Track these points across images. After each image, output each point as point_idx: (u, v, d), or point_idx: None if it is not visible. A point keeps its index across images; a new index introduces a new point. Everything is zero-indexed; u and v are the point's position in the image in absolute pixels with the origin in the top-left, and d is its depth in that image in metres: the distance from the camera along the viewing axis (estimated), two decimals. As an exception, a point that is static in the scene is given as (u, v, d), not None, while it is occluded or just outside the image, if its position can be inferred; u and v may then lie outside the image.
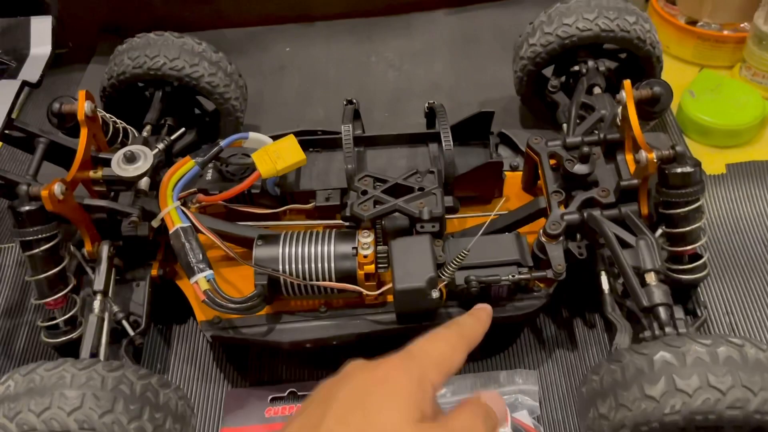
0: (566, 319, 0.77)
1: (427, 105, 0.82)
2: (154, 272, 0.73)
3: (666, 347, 0.54)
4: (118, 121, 0.82)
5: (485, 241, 0.70)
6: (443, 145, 0.74)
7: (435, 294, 0.64)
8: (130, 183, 0.70)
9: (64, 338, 0.66)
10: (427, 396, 0.37)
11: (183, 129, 0.87)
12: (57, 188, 0.61)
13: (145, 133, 0.83)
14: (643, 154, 0.63)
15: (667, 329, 0.59)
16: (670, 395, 0.51)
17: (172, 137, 0.86)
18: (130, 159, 0.67)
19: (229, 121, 0.93)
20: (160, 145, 0.84)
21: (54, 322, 0.66)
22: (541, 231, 0.68)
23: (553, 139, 0.74)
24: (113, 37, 1.23)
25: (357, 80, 1.14)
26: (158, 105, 0.87)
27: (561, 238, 0.67)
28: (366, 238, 0.69)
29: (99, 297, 0.67)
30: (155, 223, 0.70)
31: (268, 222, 0.78)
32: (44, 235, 0.63)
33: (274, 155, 0.70)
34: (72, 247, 0.71)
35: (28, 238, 0.63)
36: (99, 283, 0.67)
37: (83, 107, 0.68)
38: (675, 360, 0.52)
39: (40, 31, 0.74)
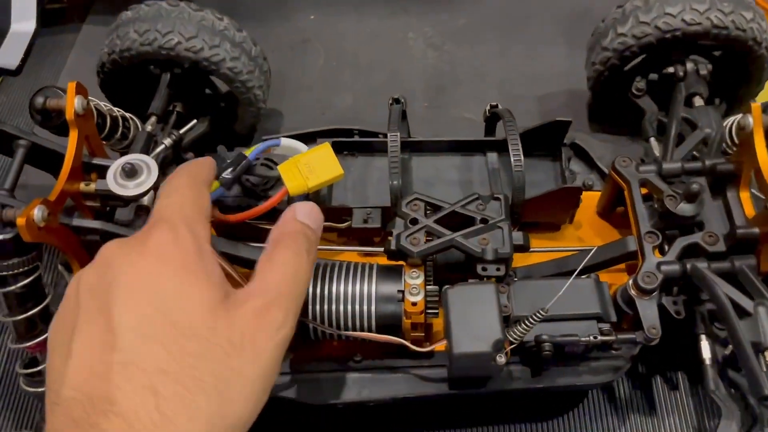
0: (643, 377, 0.65)
1: (488, 108, 0.69)
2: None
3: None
4: (115, 109, 0.69)
5: (559, 286, 0.57)
6: (513, 165, 0.60)
7: (501, 359, 0.52)
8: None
9: (46, 388, 0.54)
10: (212, 261, 0.35)
11: (194, 121, 0.74)
12: (37, 213, 0.49)
13: (149, 127, 0.69)
14: (778, 204, 0.50)
15: (795, 428, 0.47)
16: None
17: (182, 131, 0.72)
18: (131, 173, 0.54)
19: (248, 110, 0.79)
20: (167, 141, 0.71)
21: (36, 369, 0.54)
22: (631, 282, 0.56)
23: (644, 162, 0.61)
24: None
25: (391, 61, 0.99)
26: (166, 91, 0.73)
27: (655, 292, 0.55)
28: (415, 279, 0.56)
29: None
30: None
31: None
32: (22, 269, 0.51)
33: (306, 169, 0.57)
34: (60, 268, 0.59)
35: (1, 273, 0.50)
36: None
37: (73, 104, 0.55)
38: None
39: (24, 2, 0.60)
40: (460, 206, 0.59)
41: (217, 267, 0.35)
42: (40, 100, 0.57)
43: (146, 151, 0.67)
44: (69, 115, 0.55)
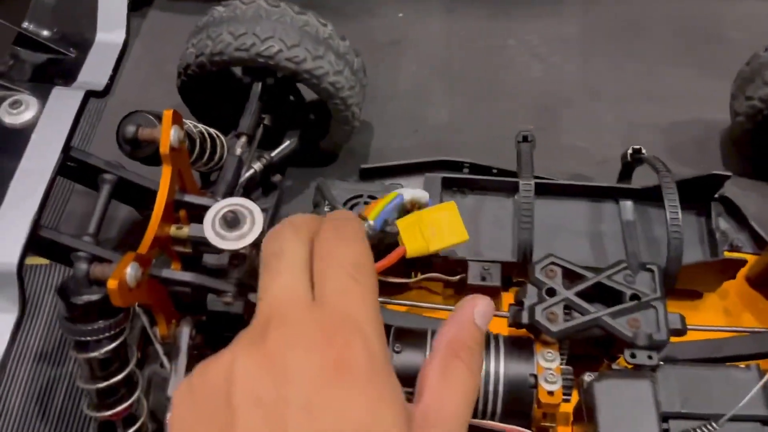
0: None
1: (631, 151, 0.59)
2: (243, 354, 0.53)
3: None
4: (201, 127, 0.61)
5: (711, 376, 0.49)
6: (669, 229, 0.51)
7: (659, 474, 0.44)
8: (227, 247, 0.49)
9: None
10: (394, 374, 0.27)
11: (287, 142, 0.66)
12: (131, 273, 0.42)
13: (238, 149, 0.62)
14: None
15: None
16: None
17: (273, 154, 0.65)
18: (232, 223, 0.46)
19: (342, 129, 0.71)
20: (257, 165, 0.64)
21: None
22: (812, 386, 0.47)
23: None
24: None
25: (489, 71, 0.90)
26: (256, 106, 0.65)
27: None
28: (550, 362, 0.48)
29: (174, 404, 0.48)
30: (254, 299, 0.50)
31: (394, 300, 0.58)
32: (108, 334, 0.44)
33: (429, 230, 0.49)
34: (138, 309, 0.52)
35: (84, 339, 0.43)
36: (175, 387, 0.48)
37: (168, 136, 0.47)
38: None
39: (111, 8, 0.52)
40: (606, 277, 0.50)
41: (397, 380, 0.28)
42: (131, 129, 0.49)
43: (237, 178, 0.60)
44: (164, 150, 0.47)
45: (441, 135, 0.82)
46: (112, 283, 0.41)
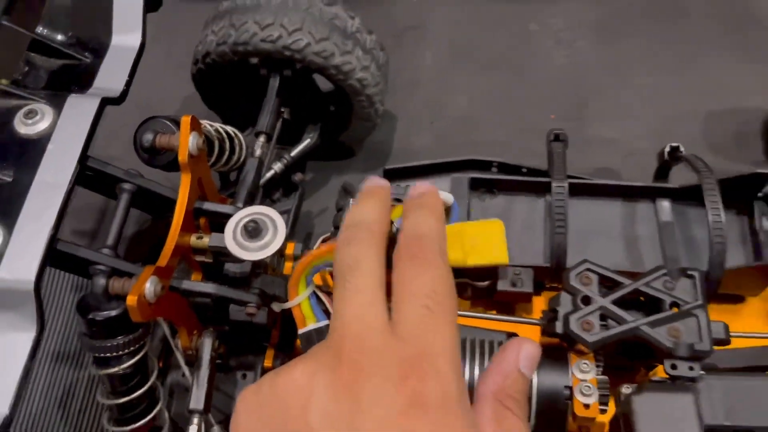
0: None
1: (668, 149, 0.57)
2: (267, 363, 0.53)
3: None
4: (218, 126, 0.59)
5: (756, 386, 0.47)
6: (711, 233, 0.49)
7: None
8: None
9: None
10: (473, 422, 0.27)
11: (307, 140, 0.64)
12: (150, 288, 0.40)
13: (258, 150, 0.60)
14: None
15: None
16: None
17: (293, 153, 0.63)
18: (254, 233, 0.44)
19: (364, 125, 0.69)
20: (277, 165, 0.62)
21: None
22: None
23: None
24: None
25: (511, 59, 0.87)
26: (275, 102, 0.63)
27: None
28: (585, 374, 0.47)
29: (196, 419, 0.47)
30: (278, 309, 0.49)
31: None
32: (128, 350, 0.43)
33: (470, 243, 0.47)
34: (160, 320, 0.51)
35: (105, 355, 0.42)
36: (198, 401, 0.47)
37: (187, 144, 0.45)
38: None
39: (127, 11, 0.50)
40: (644, 284, 0.48)
41: (472, 414, 0.29)
42: (149, 137, 0.48)
43: (257, 180, 0.58)
44: (182, 158, 0.46)
45: (460, 125, 0.80)
46: (131, 300, 0.40)
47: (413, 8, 0.94)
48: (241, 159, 0.61)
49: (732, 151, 0.71)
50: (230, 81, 0.67)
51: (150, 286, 0.41)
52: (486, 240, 0.47)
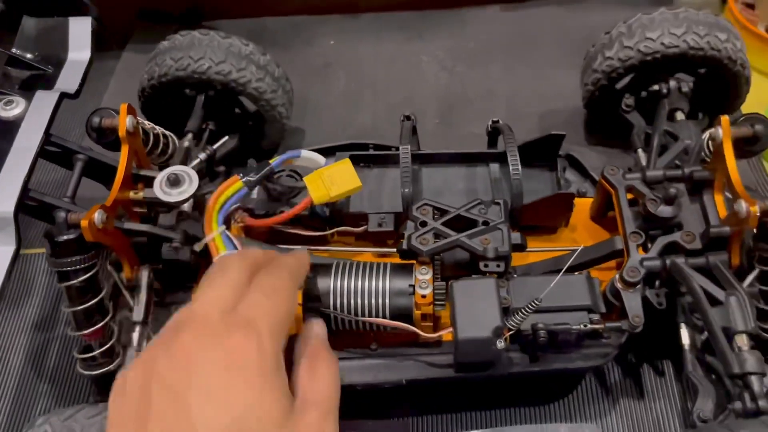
0: (633, 365, 0.71)
1: (490, 123, 0.76)
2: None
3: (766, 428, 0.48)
4: (157, 127, 0.77)
5: (544, 280, 0.64)
6: (511, 173, 0.67)
7: (500, 344, 0.59)
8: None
9: (101, 370, 0.62)
10: (284, 371, 0.35)
11: (226, 137, 0.82)
12: (97, 217, 0.57)
13: (186, 143, 0.78)
14: (743, 206, 0.56)
15: (761, 403, 0.53)
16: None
17: (215, 146, 0.81)
18: (174, 182, 0.62)
19: (274, 127, 0.87)
20: (202, 155, 0.79)
21: (91, 354, 0.62)
22: (617, 276, 0.62)
23: (631, 170, 0.68)
24: (148, 24, 1.19)
25: (406, 82, 1.07)
26: (200, 111, 0.81)
27: (639, 285, 0.61)
28: (424, 275, 0.63)
29: (138, 328, 0.62)
30: (198, 248, 0.66)
31: (315, 247, 0.73)
32: (83, 266, 0.59)
33: (328, 180, 0.65)
34: (109, 267, 0.67)
35: (65, 269, 0.58)
36: (138, 314, 0.63)
37: (125, 123, 0.63)
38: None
39: (79, 34, 0.69)
40: (464, 210, 0.66)
41: (285, 375, 0.36)
42: (96, 119, 0.65)
43: (184, 164, 0.75)
44: (121, 133, 0.63)
45: (365, 132, 0.99)
46: (83, 223, 0.56)
47: (329, 49, 1.15)
48: (174, 153, 0.79)
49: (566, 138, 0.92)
50: (170, 108, 0.85)
51: (97, 215, 0.57)
52: (340, 175, 0.65)
